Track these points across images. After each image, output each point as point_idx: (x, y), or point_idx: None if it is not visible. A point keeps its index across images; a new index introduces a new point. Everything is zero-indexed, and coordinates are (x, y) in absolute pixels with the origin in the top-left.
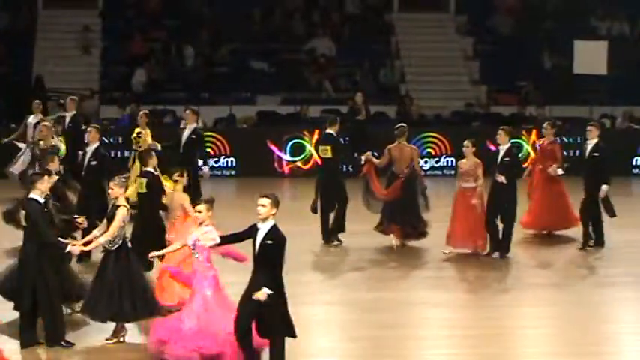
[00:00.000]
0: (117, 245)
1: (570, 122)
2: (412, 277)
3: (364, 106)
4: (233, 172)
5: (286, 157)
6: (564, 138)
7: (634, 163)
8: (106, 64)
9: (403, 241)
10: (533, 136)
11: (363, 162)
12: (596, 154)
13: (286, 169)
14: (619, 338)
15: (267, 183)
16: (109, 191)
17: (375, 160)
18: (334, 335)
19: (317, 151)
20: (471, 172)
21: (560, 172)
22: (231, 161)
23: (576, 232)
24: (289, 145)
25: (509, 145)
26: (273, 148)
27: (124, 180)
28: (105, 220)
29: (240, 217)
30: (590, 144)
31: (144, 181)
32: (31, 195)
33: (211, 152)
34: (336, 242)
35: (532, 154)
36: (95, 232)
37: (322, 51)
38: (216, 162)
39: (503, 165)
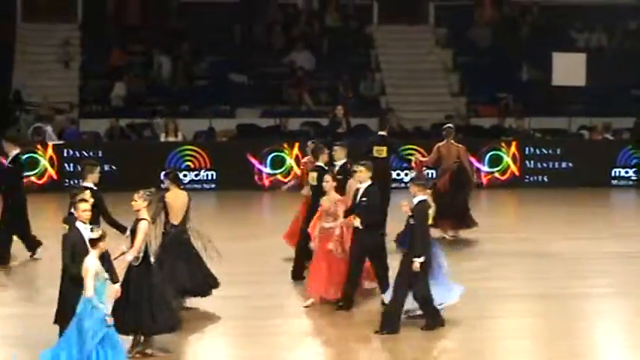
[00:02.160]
0: (140, 260)
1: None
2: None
3: (345, 119)
4: (213, 185)
5: (266, 170)
6: (544, 149)
7: (613, 174)
8: (85, 78)
9: (455, 232)
10: (513, 148)
11: (412, 162)
12: None
13: (266, 182)
14: (600, 350)
15: (247, 196)
16: (132, 203)
17: (423, 158)
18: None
19: (372, 151)
20: (331, 210)
21: None
22: (212, 174)
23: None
24: (269, 158)
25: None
26: (253, 161)
27: (148, 194)
28: (129, 235)
29: (222, 229)
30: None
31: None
32: None
33: (191, 165)
34: None
35: (512, 166)
36: (123, 247)
37: (301, 64)
38: (196, 175)
39: (361, 206)
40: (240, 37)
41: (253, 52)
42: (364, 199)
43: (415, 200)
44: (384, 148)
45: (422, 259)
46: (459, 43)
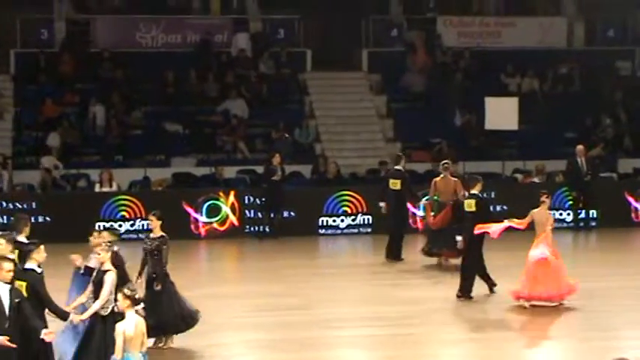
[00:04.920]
0: (109, 310)
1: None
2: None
3: (280, 167)
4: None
5: (202, 218)
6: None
7: None
8: (18, 129)
9: (449, 260)
10: None
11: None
12: None
13: (202, 231)
14: None
15: (183, 245)
16: (95, 256)
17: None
18: None
19: (388, 184)
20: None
21: None
22: (147, 224)
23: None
24: (205, 207)
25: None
26: (189, 209)
27: (109, 244)
28: (91, 285)
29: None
30: None
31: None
32: None
33: (127, 215)
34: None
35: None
36: (81, 299)
37: (236, 112)
38: (132, 225)
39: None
40: (175, 85)
41: (188, 100)
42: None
43: None
44: (398, 182)
45: None
46: (393, 89)
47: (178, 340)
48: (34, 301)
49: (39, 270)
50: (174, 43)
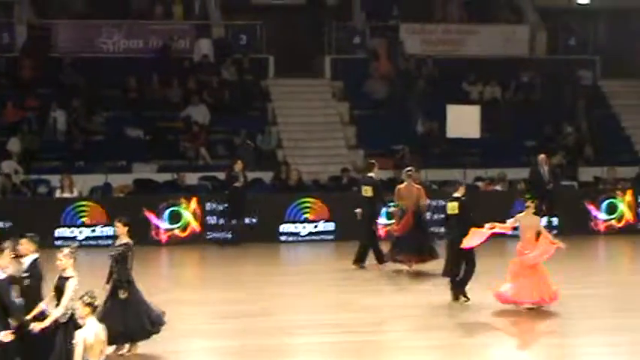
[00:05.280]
0: (68, 317)
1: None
2: None
3: (242, 173)
4: (110, 242)
5: (164, 224)
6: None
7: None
8: None
9: (413, 266)
10: None
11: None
12: None
13: (164, 237)
14: None
15: (144, 251)
16: (58, 262)
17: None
18: None
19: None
20: None
21: None
22: (108, 230)
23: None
24: (167, 213)
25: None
26: (150, 216)
27: (72, 251)
28: (53, 292)
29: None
30: None
31: None
32: None
33: (87, 221)
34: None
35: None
36: (42, 305)
37: (198, 118)
38: (92, 231)
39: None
40: (137, 91)
41: (149, 106)
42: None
43: None
44: (370, 188)
45: None
46: (355, 96)
47: (140, 347)
48: None
49: (2, 276)
50: (136, 48)
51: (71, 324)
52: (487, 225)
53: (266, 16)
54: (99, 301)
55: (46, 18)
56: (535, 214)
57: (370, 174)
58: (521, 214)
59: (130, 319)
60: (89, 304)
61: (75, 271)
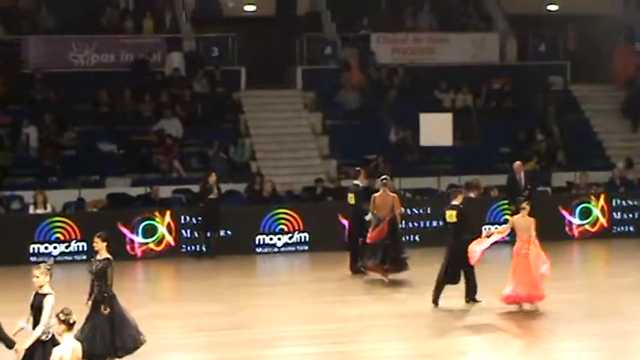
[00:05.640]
0: (50, 335)
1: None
2: None
3: (216, 185)
4: (84, 257)
5: (138, 239)
6: (415, 209)
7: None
8: None
9: (386, 275)
10: None
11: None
12: None
13: (138, 252)
14: None
15: (119, 266)
16: (34, 279)
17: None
18: None
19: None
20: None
21: None
22: (82, 245)
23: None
24: (141, 227)
25: None
26: (125, 230)
27: (48, 267)
28: (30, 310)
29: None
30: None
31: None
32: None
33: (61, 237)
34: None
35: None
36: (20, 324)
37: (170, 131)
38: (67, 247)
39: None
40: (109, 105)
41: (122, 120)
42: None
43: None
44: (353, 195)
45: None
46: (328, 107)
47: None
48: None
49: None
50: (107, 62)
51: (50, 342)
52: (484, 232)
53: (237, 28)
54: (74, 318)
55: (16, 34)
56: (530, 215)
57: (356, 181)
58: (516, 217)
59: (117, 332)
60: (64, 321)
61: (51, 288)
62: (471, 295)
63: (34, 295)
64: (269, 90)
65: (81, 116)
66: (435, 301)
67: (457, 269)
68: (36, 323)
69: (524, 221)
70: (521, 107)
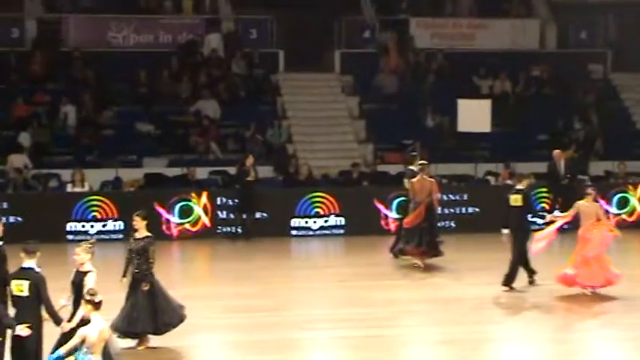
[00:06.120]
0: None
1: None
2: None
3: (253, 168)
4: (121, 236)
5: (174, 219)
6: (451, 195)
7: None
8: None
9: (422, 260)
10: None
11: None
12: None
13: (174, 232)
14: None
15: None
16: (75, 257)
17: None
18: None
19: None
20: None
21: None
22: (119, 224)
23: (462, 290)
24: (177, 208)
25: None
26: (161, 210)
27: (89, 245)
28: (71, 287)
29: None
30: None
31: None
32: None
33: (98, 216)
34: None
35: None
36: (62, 301)
37: (208, 112)
38: (103, 225)
39: None
40: (147, 85)
41: (160, 100)
42: None
43: None
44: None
45: None
46: (365, 91)
47: (153, 342)
48: (34, 300)
49: (38, 269)
50: (145, 42)
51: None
52: (548, 216)
53: (276, 11)
54: (100, 297)
55: (55, 12)
56: (595, 200)
57: (411, 167)
58: (581, 202)
59: (161, 309)
60: (90, 302)
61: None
62: (508, 282)
63: (75, 273)
64: (307, 73)
65: (119, 96)
66: (531, 280)
67: (521, 250)
68: (76, 300)
69: (589, 206)
70: (559, 95)
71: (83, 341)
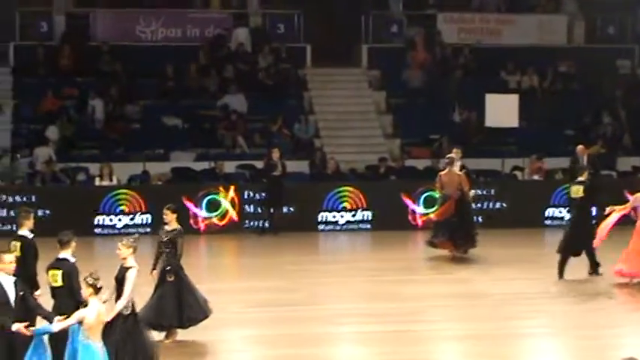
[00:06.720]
0: (130, 309)
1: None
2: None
3: (280, 162)
4: (149, 229)
5: (202, 213)
6: (479, 190)
7: (546, 215)
8: (17, 122)
9: (455, 252)
10: None
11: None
12: None
13: (202, 226)
14: None
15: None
16: (118, 251)
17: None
18: None
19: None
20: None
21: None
22: (147, 218)
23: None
24: (205, 201)
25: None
26: (189, 204)
27: (132, 240)
28: (115, 283)
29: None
30: None
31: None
32: None
33: (126, 209)
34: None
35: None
36: (104, 297)
37: (235, 107)
38: (131, 219)
39: None
40: (174, 79)
41: (187, 94)
42: None
43: None
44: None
45: None
46: (392, 85)
47: (180, 335)
48: (67, 290)
49: (72, 259)
50: (173, 37)
51: (132, 316)
52: (607, 209)
53: (304, 5)
54: (101, 283)
55: (84, 7)
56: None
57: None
58: (639, 194)
59: (187, 303)
60: (92, 285)
61: (135, 261)
62: (594, 269)
63: (119, 268)
64: (334, 67)
65: (147, 90)
66: (561, 274)
67: (577, 242)
68: (118, 296)
69: None
70: (587, 90)
71: (80, 323)
